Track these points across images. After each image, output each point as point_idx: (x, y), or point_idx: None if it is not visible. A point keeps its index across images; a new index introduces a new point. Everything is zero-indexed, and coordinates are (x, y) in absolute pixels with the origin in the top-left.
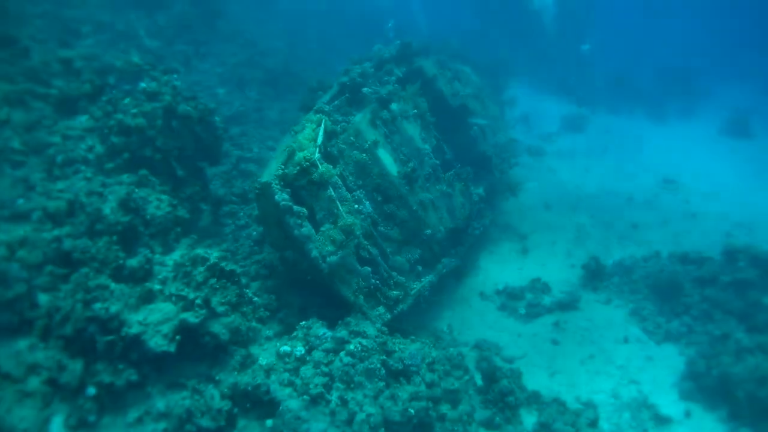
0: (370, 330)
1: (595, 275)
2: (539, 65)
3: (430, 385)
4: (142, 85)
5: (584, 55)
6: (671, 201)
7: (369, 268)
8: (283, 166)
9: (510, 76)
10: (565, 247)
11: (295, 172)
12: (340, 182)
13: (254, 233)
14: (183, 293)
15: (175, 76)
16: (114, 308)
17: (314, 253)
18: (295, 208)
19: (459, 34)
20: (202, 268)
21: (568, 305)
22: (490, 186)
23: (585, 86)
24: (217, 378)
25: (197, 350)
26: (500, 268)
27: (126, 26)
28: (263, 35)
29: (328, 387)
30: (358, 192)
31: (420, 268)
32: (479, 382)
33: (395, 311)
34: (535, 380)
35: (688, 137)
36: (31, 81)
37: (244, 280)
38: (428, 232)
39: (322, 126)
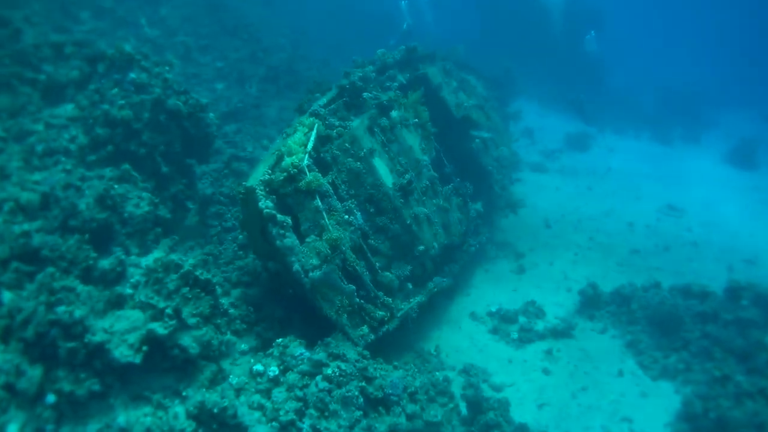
0: (351, 353)
1: (591, 302)
2: (547, 79)
3: (410, 417)
4: (132, 75)
5: (590, 49)
6: (673, 228)
7: (353, 287)
8: (269, 171)
9: (516, 89)
10: (562, 268)
11: (282, 178)
12: (330, 191)
13: (240, 237)
14: (152, 301)
15: (167, 68)
16: (78, 313)
17: (296, 266)
18: (279, 217)
19: (466, 43)
20: (174, 276)
21: (562, 333)
22: (488, 201)
23: (593, 98)
24: (184, 393)
25: (166, 361)
26: (494, 288)
27: (127, 13)
28: (268, 32)
29: (300, 413)
30: (349, 202)
31: (410, 285)
32: (464, 411)
33: (380, 332)
34: (523, 411)
35: (693, 163)
36: (20, 65)
37: (220, 289)
38: (421, 248)
39: (314, 131)
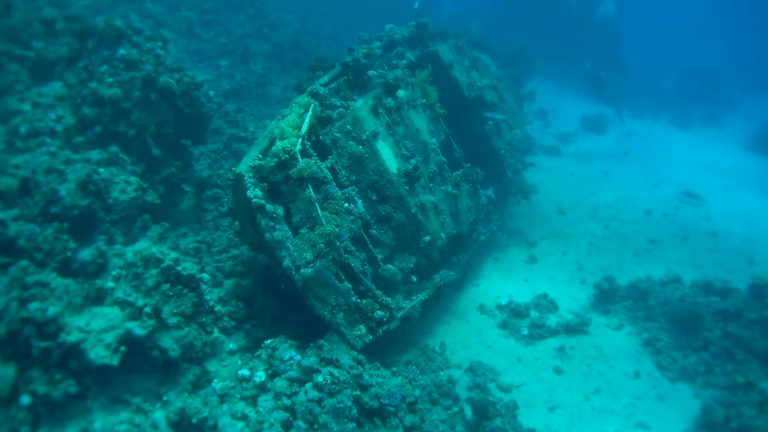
0: (345, 359)
1: (607, 296)
2: (563, 59)
3: (409, 429)
4: (122, 51)
5: (606, 11)
6: (692, 216)
7: (349, 285)
8: (260, 156)
9: (531, 68)
10: (576, 258)
11: (272, 164)
12: (329, 176)
13: (237, 223)
14: (131, 299)
15: (159, 43)
16: (52, 310)
17: (287, 262)
18: (269, 207)
19: (481, 19)
20: (154, 271)
21: (575, 329)
22: (500, 187)
23: (612, 77)
24: (165, 398)
25: (147, 362)
26: (505, 279)
27: None
28: (275, 7)
29: (287, 425)
30: (350, 189)
31: (414, 278)
32: (469, 414)
33: (378, 333)
34: (533, 414)
35: (713, 149)
36: (9, 41)
37: (211, 280)
38: (427, 238)
39: (310, 112)
